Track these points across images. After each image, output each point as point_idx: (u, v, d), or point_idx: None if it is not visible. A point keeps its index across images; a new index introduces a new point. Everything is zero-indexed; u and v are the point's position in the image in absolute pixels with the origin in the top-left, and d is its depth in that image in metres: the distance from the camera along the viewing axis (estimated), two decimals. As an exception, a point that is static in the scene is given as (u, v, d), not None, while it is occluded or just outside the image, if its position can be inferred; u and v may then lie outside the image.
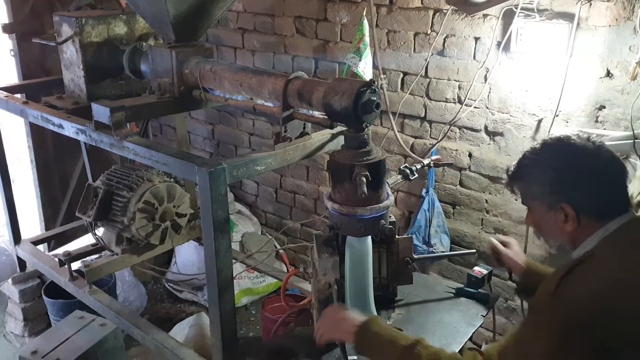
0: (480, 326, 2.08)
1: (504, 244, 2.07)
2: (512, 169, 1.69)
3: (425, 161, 2.31)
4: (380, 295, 2.02)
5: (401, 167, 2.21)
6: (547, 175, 1.57)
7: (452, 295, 2.17)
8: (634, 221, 1.51)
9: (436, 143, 3.05)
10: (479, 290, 2.15)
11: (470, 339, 1.97)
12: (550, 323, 1.40)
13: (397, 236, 2.01)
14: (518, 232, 2.90)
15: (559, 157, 1.59)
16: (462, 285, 2.19)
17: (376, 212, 1.77)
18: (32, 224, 3.90)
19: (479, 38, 2.78)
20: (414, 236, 3.06)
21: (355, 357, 1.76)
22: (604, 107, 2.50)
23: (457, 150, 3.02)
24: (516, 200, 2.84)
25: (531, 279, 1.94)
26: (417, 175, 2.22)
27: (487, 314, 2.09)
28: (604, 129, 2.50)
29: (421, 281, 2.24)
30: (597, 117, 2.53)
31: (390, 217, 1.93)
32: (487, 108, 2.85)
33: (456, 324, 1.98)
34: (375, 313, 1.80)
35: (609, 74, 2.46)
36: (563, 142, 1.60)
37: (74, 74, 2.67)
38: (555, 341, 1.38)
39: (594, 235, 1.52)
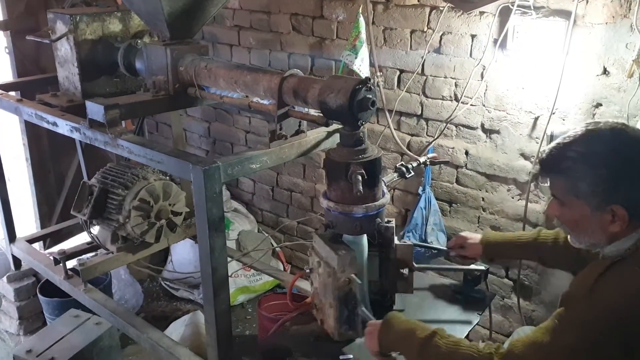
0: (477, 324, 2.08)
1: (461, 243, 2.12)
2: (546, 158, 1.52)
3: (422, 159, 2.30)
4: (378, 300, 1.99)
5: (397, 165, 2.20)
6: (599, 173, 1.41)
7: (449, 293, 2.16)
8: None
9: (432, 141, 3.04)
10: (476, 288, 2.15)
11: (467, 337, 1.96)
12: (583, 319, 1.38)
13: (396, 242, 1.97)
14: (515, 229, 2.89)
15: (614, 151, 1.42)
16: (458, 284, 2.19)
17: (372, 211, 1.76)
18: (27, 222, 3.88)
19: (476, 35, 2.78)
20: (410, 234, 3.06)
21: (351, 356, 1.75)
22: (601, 105, 2.50)
23: (453, 148, 3.01)
24: (512, 198, 2.85)
25: (494, 252, 2.04)
26: (413, 173, 2.21)
27: (483, 312, 2.09)
28: (601, 126, 2.49)
29: (418, 279, 2.23)
30: (594, 114, 2.52)
31: (390, 222, 1.91)
32: (484, 106, 2.85)
33: (453, 322, 1.97)
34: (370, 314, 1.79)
35: (605, 71, 2.45)
36: (616, 132, 1.44)
37: (68, 72, 2.65)
38: (585, 336, 1.36)
39: (633, 234, 1.44)
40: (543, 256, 2.02)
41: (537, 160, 1.58)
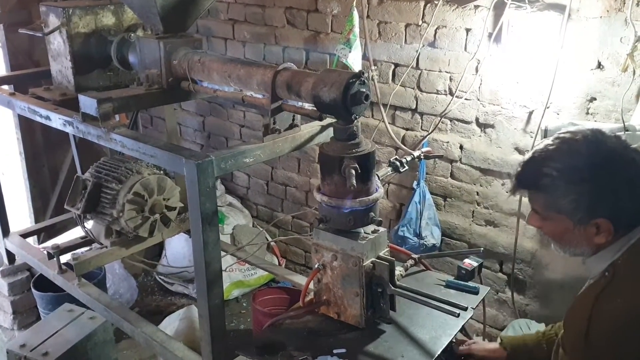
0: (471, 318, 2.08)
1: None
2: (522, 173, 1.48)
3: (416, 153, 2.29)
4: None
5: (391, 159, 2.20)
6: (580, 189, 1.38)
7: (442, 287, 2.16)
8: None
9: (427, 135, 3.04)
10: (469, 282, 2.15)
11: (461, 330, 1.97)
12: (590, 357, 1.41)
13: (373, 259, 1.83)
14: (509, 224, 2.90)
15: (593, 165, 1.38)
16: (452, 278, 2.19)
17: (365, 205, 1.76)
18: (21, 216, 3.87)
19: (470, 29, 2.77)
20: (405, 228, 3.06)
21: (344, 350, 1.75)
22: (595, 99, 2.50)
23: (448, 142, 3.01)
24: (508, 195, 2.85)
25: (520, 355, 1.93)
26: (407, 167, 2.20)
27: (477, 306, 2.09)
28: (595, 120, 2.50)
29: (411, 273, 2.24)
30: (588, 109, 2.52)
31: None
32: (478, 100, 2.84)
33: (446, 317, 1.97)
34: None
35: (600, 65, 2.45)
36: (591, 144, 1.39)
37: (61, 65, 2.64)
38: None
39: (616, 243, 1.43)
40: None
41: (512, 175, 1.53)
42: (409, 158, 2.22)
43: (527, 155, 1.50)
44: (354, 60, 2.82)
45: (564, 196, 1.40)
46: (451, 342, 1.90)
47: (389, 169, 2.17)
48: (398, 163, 2.17)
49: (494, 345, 2.02)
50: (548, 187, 1.42)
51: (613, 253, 1.44)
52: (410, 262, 2.20)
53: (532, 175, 1.46)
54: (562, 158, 1.41)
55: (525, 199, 2.76)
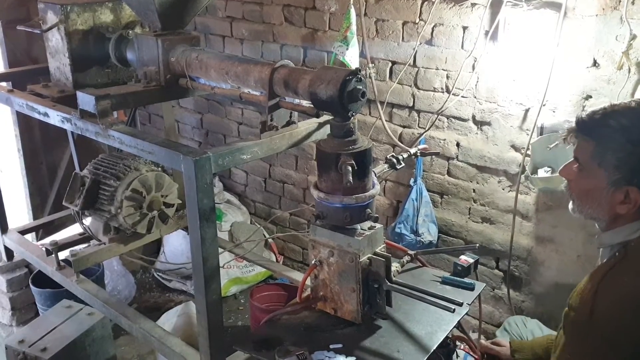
0: (467, 314, 2.09)
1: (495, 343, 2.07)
2: (586, 119, 1.47)
3: (412, 150, 2.31)
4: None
5: (388, 156, 2.21)
6: (631, 151, 1.38)
7: (439, 283, 2.18)
8: None
9: (424, 132, 3.06)
10: (465, 278, 2.16)
11: (457, 326, 1.98)
12: (593, 340, 1.42)
13: (369, 255, 1.83)
14: (505, 221, 2.92)
15: None
16: (448, 274, 2.20)
17: (362, 201, 1.77)
18: (19, 213, 3.87)
19: (467, 27, 2.78)
20: (402, 225, 3.08)
21: (341, 345, 1.77)
22: (591, 97, 2.52)
23: (445, 139, 3.02)
24: (503, 190, 2.87)
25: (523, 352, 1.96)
26: (403, 164, 2.21)
27: (472, 302, 2.10)
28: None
29: (408, 270, 2.25)
30: (584, 106, 2.54)
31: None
32: (475, 97, 2.86)
33: (442, 312, 1.98)
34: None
35: (595, 63, 2.47)
36: None
37: (59, 62, 2.65)
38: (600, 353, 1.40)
39: (634, 224, 1.44)
40: None
41: (575, 118, 1.51)
42: (405, 155, 2.24)
43: (599, 106, 1.49)
44: (351, 58, 2.83)
45: (613, 151, 1.40)
46: (448, 337, 1.92)
47: (386, 165, 2.18)
48: (395, 160, 2.19)
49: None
50: (604, 137, 1.42)
51: (628, 232, 1.45)
52: (406, 258, 2.21)
53: (595, 122, 1.44)
54: (633, 116, 1.40)
55: (521, 197, 2.79)
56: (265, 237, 3.94)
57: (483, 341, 2.11)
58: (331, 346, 1.77)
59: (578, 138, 1.50)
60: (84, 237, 2.85)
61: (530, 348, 2.03)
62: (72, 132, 2.98)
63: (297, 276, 2.82)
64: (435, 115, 2.99)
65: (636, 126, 1.39)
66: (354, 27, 2.83)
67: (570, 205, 1.60)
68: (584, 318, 1.44)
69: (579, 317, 1.47)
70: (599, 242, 1.57)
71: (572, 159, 1.55)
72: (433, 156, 3.05)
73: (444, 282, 2.15)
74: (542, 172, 2.57)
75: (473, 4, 2.73)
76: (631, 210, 1.43)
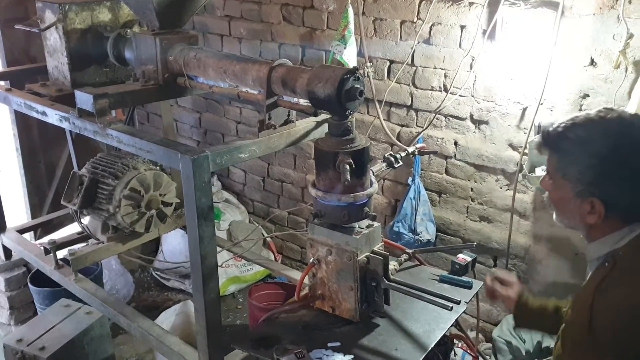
0: (465, 312, 2.10)
1: (504, 282, 1.95)
2: (551, 132, 1.49)
3: (410, 149, 2.32)
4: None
5: (386, 155, 2.22)
6: (590, 163, 1.40)
7: (436, 282, 2.18)
8: None
9: (422, 131, 3.06)
10: (463, 277, 2.17)
11: (455, 325, 1.99)
12: (594, 354, 1.42)
13: (367, 253, 1.85)
14: (503, 220, 2.92)
15: (613, 147, 1.38)
16: (446, 272, 2.20)
17: (360, 200, 1.78)
18: (17, 212, 3.87)
19: (465, 26, 2.79)
20: (400, 224, 3.08)
21: (339, 343, 1.77)
22: (588, 96, 2.52)
23: (442, 138, 3.03)
24: (500, 188, 2.88)
25: (523, 314, 1.87)
26: (401, 163, 2.22)
27: (470, 300, 2.11)
28: (588, 117, 2.52)
29: (406, 268, 2.26)
30: (581, 105, 2.55)
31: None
32: (473, 96, 2.86)
33: (439, 311, 1.99)
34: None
35: (592, 62, 2.47)
36: (624, 129, 1.39)
37: (57, 61, 2.65)
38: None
39: (617, 233, 1.44)
40: None
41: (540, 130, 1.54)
42: (403, 154, 2.25)
43: (567, 117, 1.51)
44: (349, 57, 2.84)
45: (573, 164, 1.43)
46: (446, 335, 1.92)
47: (384, 164, 2.19)
48: (392, 159, 2.19)
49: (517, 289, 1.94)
50: (564, 150, 1.45)
51: (614, 242, 1.45)
52: (404, 256, 2.22)
53: (556, 136, 1.47)
54: (589, 128, 1.42)
55: (518, 195, 2.80)
56: (263, 236, 3.94)
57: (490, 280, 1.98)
58: (329, 344, 1.78)
59: (545, 150, 1.53)
60: (82, 236, 2.85)
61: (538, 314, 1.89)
62: (70, 131, 2.98)
63: (296, 275, 2.82)
64: (433, 114, 2.99)
65: (593, 139, 1.40)
66: (351, 26, 2.83)
67: (553, 215, 1.62)
68: (582, 333, 1.43)
69: (577, 332, 1.47)
70: (588, 256, 1.57)
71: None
72: (431, 155, 3.06)
73: (442, 280, 2.15)
74: (540, 171, 2.57)
75: (471, 3, 2.73)
76: (599, 220, 1.44)
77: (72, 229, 3.11)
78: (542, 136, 1.53)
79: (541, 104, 2.61)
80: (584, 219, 1.47)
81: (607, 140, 1.39)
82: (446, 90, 2.92)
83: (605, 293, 1.41)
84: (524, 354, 2.58)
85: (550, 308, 1.84)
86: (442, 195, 3.13)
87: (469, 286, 2.12)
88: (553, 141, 1.49)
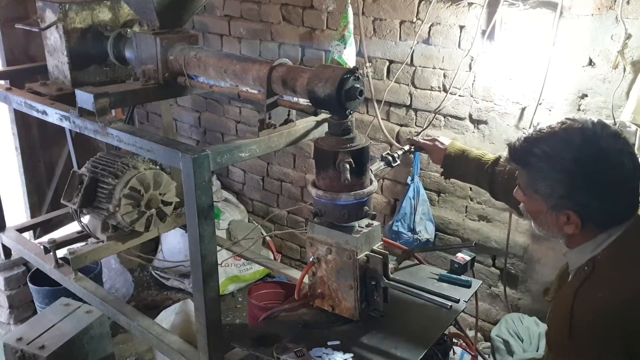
0: (464, 312, 2.11)
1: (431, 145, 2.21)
2: (516, 147, 1.50)
3: (406, 147, 2.33)
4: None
5: (383, 154, 2.23)
6: (559, 178, 1.41)
7: (435, 281, 2.19)
8: (636, 228, 1.44)
9: (421, 131, 3.07)
10: (462, 276, 2.18)
11: (453, 324, 2.00)
12: (577, 357, 1.43)
13: (367, 252, 1.86)
14: (501, 219, 2.93)
15: (579, 160, 1.39)
16: (445, 272, 2.21)
17: (359, 198, 1.79)
18: (17, 211, 3.88)
19: (464, 26, 2.79)
20: (399, 223, 3.09)
21: (338, 342, 1.78)
22: (586, 96, 2.53)
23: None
24: (505, 161, 2.88)
25: (453, 163, 2.11)
26: (399, 162, 2.23)
27: (469, 299, 2.12)
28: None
29: (405, 267, 2.26)
30: (580, 105, 2.56)
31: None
32: (472, 96, 2.87)
33: (439, 310, 2.00)
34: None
35: (591, 62, 2.48)
36: (587, 138, 1.39)
37: (58, 60, 2.65)
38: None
39: (595, 239, 1.46)
40: (494, 186, 2.07)
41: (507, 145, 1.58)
42: (400, 152, 2.25)
43: (527, 131, 1.52)
44: (349, 57, 2.84)
45: (542, 179, 1.44)
46: (445, 334, 1.93)
47: (382, 163, 2.20)
48: (390, 157, 2.20)
49: (445, 144, 2.18)
50: (532, 166, 1.46)
51: (593, 248, 1.47)
52: (403, 255, 2.23)
53: (522, 152, 1.48)
54: (553, 143, 1.42)
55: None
56: (263, 235, 3.95)
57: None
58: (329, 343, 1.78)
59: (513, 165, 1.54)
60: (82, 235, 2.86)
61: (463, 154, 2.15)
62: (70, 130, 2.99)
63: (295, 274, 2.83)
64: (433, 114, 3.00)
65: (558, 154, 1.41)
66: (351, 26, 2.84)
67: (531, 224, 1.63)
68: (564, 336, 1.44)
69: (559, 336, 1.48)
70: (569, 263, 1.59)
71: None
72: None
73: (441, 279, 2.16)
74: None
75: (470, 4, 2.74)
76: (576, 230, 1.46)
77: (72, 228, 3.12)
78: (509, 151, 1.54)
79: (540, 104, 2.62)
80: (562, 230, 1.48)
81: (571, 154, 1.40)
82: (445, 90, 2.93)
83: (584, 297, 1.42)
84: (522, 353, 2.58)
85: (471, 156, 2.12)
86: (441, 194, 3.14)
87: (467, 285, 2.13)
88: (520, 157, 1.50)
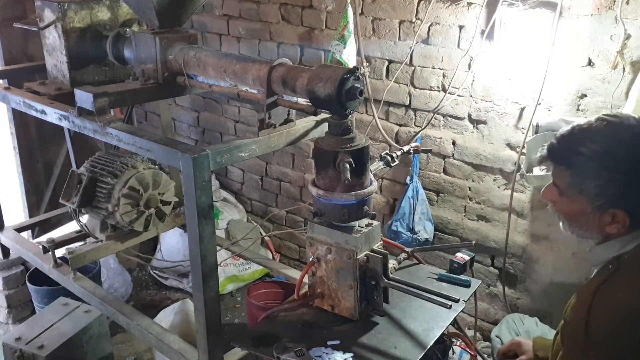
0: (463, 311, 2.11)
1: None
2: (557, 147, 1.43)
3: (406, 148, 2.33)
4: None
5: (382, 154, 2.23)
6: (610, 177, 1.35)
7: (435, 280, 2.19)
8: None
9: (420, 131, 3.07)
10: (461, 276, 2.18)
11: (453, 323, 2.00)
12: (590, 355, 1.42)
13: (367, 252, 1.86)
14: (500, 219, 2.93)
15: (633, 158, 1.34)
16: (444, 271, 2.22)
17: (360, 198, 1.78)
18: (15, 211, 3.87)
19: (463, 26, 2.80)
20: (398, 223, 3.09)
21: (338, 342, 1.78)
22: (586, 96, 2.54)
23: (441, 138, 3.04)
24: (498, 188, 2.89)
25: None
26: (397, 162, 2.23)
27: (468, 298, 2.12)
28: (585, 117, 2.53)
29: (404, 267, 2.26)
30: (579, 105, 2.56)
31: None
32: (471, 96, 2.87)
33: (438, 309, 2.00)
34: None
35: (590, 62, 2.48)
36: (636, 137, 1.35)
37: (56, 60, 2.64)
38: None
39: (625, 237, 1.43)
40: None
41: (543, 147, 1.49)
42: (399, 152, 2.26)
43: (565, 129, 1.45)
44: (349, 57, 2.84)
45: (591, 179, 1.38)
46: (444, 334, 1.93)
47: (381, 163, 2.20)
48: (389, 157, 2.21)
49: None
50: (579, 166, 1.40)
51: (621, 246, 1.44)
52: (403, 255, 2.23)
53: (566, 151, 1.41)
54: (603, 141, 1.37)
55: (516, 195, 2.81)
56: (261, 235, 3.95)
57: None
58: (329, 343, 1.78)
59: (553, 166, 1.48)
60: (81, 235, 2.85)
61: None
62: (68, 130, 2.99)
63: (294, 274, 2.83)
64: (432, 114, 3.01)
65: (609, 151, 1.36)
66: (351, 26, 2.84)
67: (560, 225, 1.58)
68: (579, 333, 1.43)
69: (575, 332, 1.47)
70: (592, 260, 1.55)
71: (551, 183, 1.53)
72: (428, 153, 3.07)
73: (440, 279, 2.16)
74: (537, 171, 2.59)
75: (469, 3, 2.74)
76: (621, 229, 1.42)
77: (70, 227, 3.11)
78: (549, 151, 1.47)
79: (539, 104, 2.63)
80: (603, 230, 1.44)
81: (624, 151, 1.35)
82: (444, 90, 2.93)
83: (604, 295, 1.41)
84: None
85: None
86: (440, 194, 3.14)
87: (467, 285, 2.13)
88: (563, 157, 1.43)
